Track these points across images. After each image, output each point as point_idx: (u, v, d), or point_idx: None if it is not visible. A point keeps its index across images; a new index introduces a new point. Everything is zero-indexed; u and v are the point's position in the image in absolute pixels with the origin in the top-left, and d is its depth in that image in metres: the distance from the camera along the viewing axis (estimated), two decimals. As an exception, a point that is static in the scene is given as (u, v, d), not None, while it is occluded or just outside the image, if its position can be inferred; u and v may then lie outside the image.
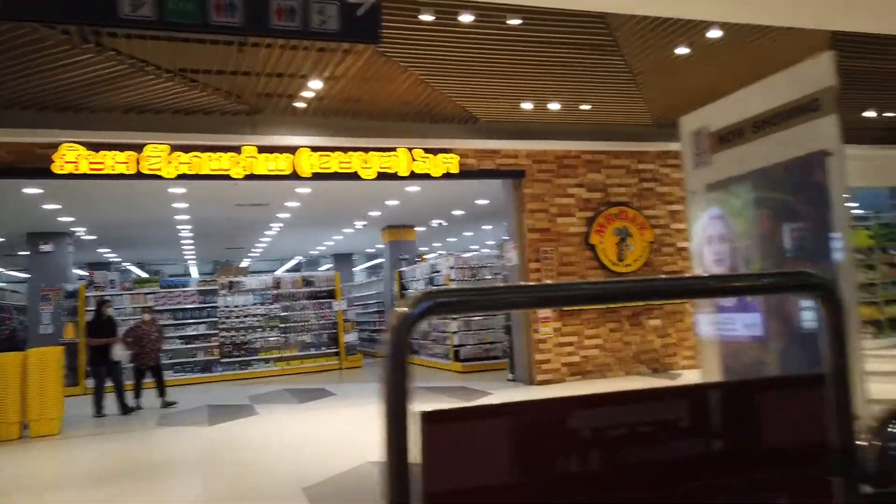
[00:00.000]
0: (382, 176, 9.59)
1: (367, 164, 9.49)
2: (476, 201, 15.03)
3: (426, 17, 6.04)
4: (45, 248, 15.75)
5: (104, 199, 12.70)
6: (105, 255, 22.24)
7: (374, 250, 24.88)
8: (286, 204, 14.26)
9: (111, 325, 10.60)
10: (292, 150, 9.22)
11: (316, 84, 7.89)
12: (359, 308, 22.75)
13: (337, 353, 15.91)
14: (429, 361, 15.08)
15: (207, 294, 15.29)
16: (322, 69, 7.55)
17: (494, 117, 9.99)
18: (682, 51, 7.46)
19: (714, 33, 6.93)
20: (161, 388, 10.59)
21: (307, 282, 16.17)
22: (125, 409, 10.02)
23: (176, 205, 13.49)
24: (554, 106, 9.44)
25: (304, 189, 12.36)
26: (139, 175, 8.49)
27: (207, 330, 15.09)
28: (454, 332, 13.45)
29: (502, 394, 9.98)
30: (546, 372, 10.44)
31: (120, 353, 10.24)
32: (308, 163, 9.22)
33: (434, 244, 25.10)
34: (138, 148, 8.52)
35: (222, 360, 14.95)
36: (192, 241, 20.14)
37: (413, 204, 15.45)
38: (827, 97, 2.20)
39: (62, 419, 8.78)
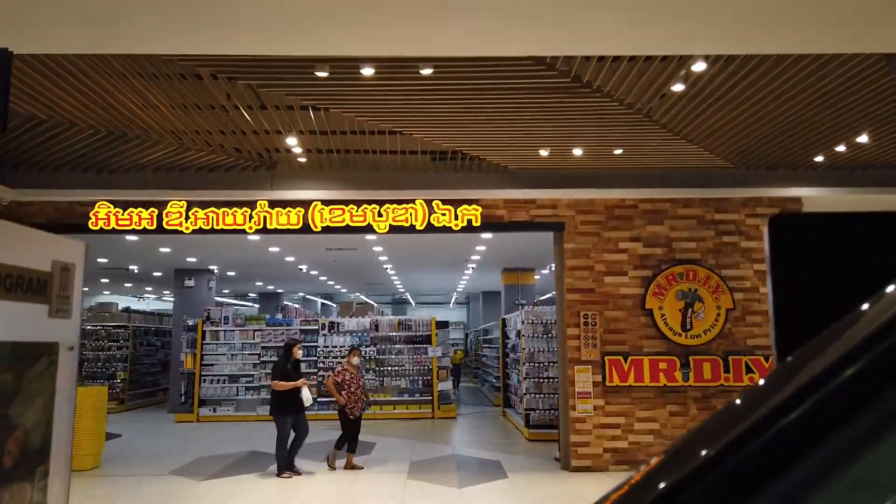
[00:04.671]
0: (396, 229, 9.10)
1: (382, 217, 9.09)
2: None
3: (321, 73, 5.53)
4: (189, 283, 17.72)
5: (226, 248, 13.88)
6: (257, 288, 24.48)
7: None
8: (374, 249, 14.34)
9: (298, 368, 9.26)
10: (306, 204, 9.15)
11: (292, 140, 7.72)
12: (489, 352, 22.17)
13: (430, 402, 15.48)
14: (514, 420, 13.96)
15: (308, 333, 15.86)
16: (291, 126, 7.36)
17: (523, 165, 8.98)
18: (677, 88, 5.96)
19: (699, 66, 5.40)
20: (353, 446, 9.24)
21: (404, 325, 16.03)
22: (290, 467, 8.75)
23: (272, 249, 14.26)
24: (577, 151, 8.21)
25: (371, 236, 12.30)
26: (160, 230, 9.00)
27: (307, 369, 15.61)
28: (525, 394, 12.25)
29: (514, 481, 8.72)
30: (583, 457, 8.96)
31: (308, 398, 8.90)
32: (319, 217, 9.07)
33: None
34: (162, 204, 9.06)
35: (317, 400, 15.32)
36: (325, 278, 21.30)
37: (508, 248, 14.62)
38: None
39: (100, 455, 9.50)
